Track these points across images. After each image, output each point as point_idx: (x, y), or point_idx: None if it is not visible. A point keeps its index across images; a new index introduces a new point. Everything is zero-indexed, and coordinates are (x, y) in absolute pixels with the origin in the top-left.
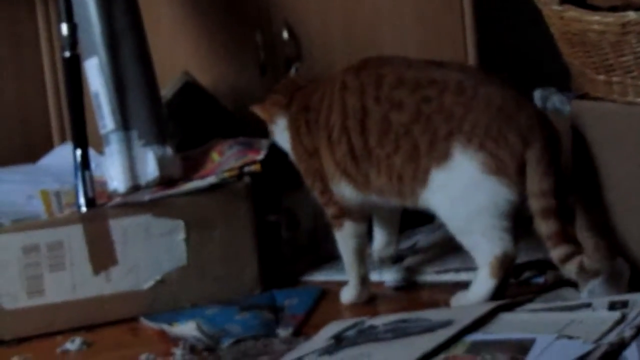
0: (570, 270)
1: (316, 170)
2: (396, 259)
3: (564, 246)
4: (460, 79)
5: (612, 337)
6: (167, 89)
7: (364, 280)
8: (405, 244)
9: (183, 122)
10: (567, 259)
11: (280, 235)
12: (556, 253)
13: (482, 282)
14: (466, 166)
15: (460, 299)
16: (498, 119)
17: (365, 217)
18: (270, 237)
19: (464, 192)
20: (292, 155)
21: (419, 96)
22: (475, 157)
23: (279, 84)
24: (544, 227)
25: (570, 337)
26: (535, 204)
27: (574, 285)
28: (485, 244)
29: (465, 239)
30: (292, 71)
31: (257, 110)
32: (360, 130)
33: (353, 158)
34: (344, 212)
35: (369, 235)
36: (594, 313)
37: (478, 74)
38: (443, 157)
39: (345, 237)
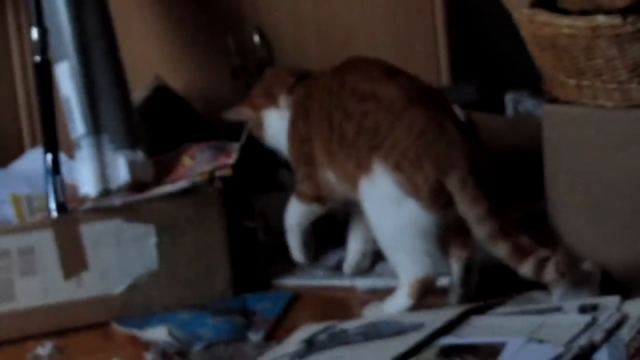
0: (548, 276)
1: (305, 155)
2: (370, 267)
3: (529, 260)
4: (394, 97)
5: (582, 340)
6: (138, 93)
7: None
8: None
9: (154, 126)
10: (539, 270)
11: (257, 240)
12: (525, 270)
13: (400, 299)
14: (384, 181)
15: (373, 310)
16: (417, 142)
17: (331, 208)
18: (247, 242)
19: (386, 206)
20: (284, 139)
21: (361, 109)
22: (392, 175)
23: (275, 73)
24: (498, 250)
25: (540, 341)
26: (478, 232)
27: (544, 288)
28: (408, 264)
29: (390, 255)
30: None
31: (258, 91)
32: (329, 134)
33: (329, 158)
34: (319, 197)
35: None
36: (565, 316)
37: (416, 92)
38: (366, 169)
39: (302, 212)
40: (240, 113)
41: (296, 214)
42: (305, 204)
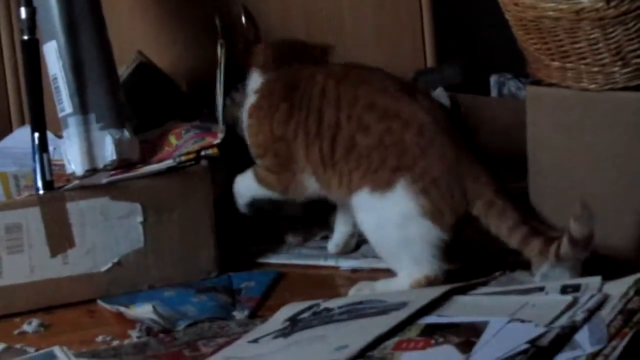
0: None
1: (276, 152)
2: (356, 248)
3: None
4: (424, 122)
5: (563, 320)
6: (121, 70)
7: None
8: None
9: (137, 103)
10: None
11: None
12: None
13: (399, 284)
14: (405, 202)
15: (363, 289)
16: (448, 174)
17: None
18: (231, 219)
19: (396, 222)
20: (246, 121)
21: (384, 125)
22: (416, 199)
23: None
24: (530, 251)
25: (522, 321)
26: (512, 242)
27: (527, 268)
28: (412, 266)
29: (391, 261)
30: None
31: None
32: (330, 142)
33: (322, 164)
34: (283, 191)
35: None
36: (547, 297)
37: (440, 117)
38: (384, 184)
39: (258, 193)
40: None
41: (251, 192)
42: (265, 189)
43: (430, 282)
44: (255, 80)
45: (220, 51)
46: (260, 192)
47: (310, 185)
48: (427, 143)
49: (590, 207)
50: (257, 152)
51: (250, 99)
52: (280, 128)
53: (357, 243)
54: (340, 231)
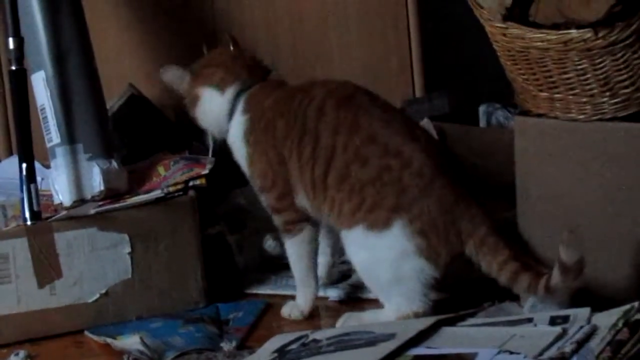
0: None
1: (281, 176)
2: (341, 277)
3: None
4: (423, 163)
5: (552, 352)
6: (112, 102)
7: (314, 294)
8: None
9: (128, 134)
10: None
11: (227, 243)
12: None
13: (385, 317)
14: (401, 242)
15: (350, 320)
16: (445, 216)
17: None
18: (217, 249)
19: (390, 260)
20: (247, 154)
21: (383, 162)
22: (413, 239)
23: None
24: (518, 286)
25: (511, 352)
26: (502, 278)
27: (516, 299)
28: (403, 302)
29: (380, 295)
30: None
31: (206, 63)
32: (325, 167)
33: (313, 187)
34: (304, 217)
35: None
36: (535, 328)
37: (439, 157)
38: (381, 224)
39: (303, 243)
40: (179, 76)
41: (298, 251)
42: (298, 234)
43: (417, 317)
44: (229, 101)
45: None
46: (298, 243)
47: (308, 207)
48: (426, 184)
49: (578, 233)
50: (262, 184)
51: (238, 124)
52: (280, 146)
53: (347, 274)
54: (321, 263)
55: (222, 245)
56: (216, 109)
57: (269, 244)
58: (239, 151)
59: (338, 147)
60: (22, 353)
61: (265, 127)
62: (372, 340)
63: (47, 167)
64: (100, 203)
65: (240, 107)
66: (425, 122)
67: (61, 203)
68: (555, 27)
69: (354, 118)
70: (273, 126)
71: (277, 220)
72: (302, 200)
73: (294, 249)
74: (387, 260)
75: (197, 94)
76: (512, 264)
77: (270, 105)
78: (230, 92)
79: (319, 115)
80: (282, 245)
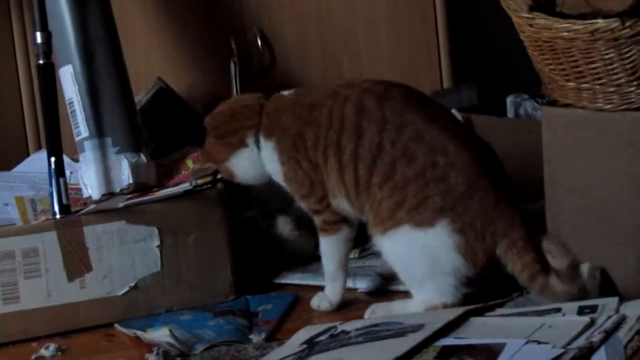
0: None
1: (318, 182)
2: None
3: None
4: (468, 161)
5: (580, 341)
6: (140, 95)
7: (343, 287)
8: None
9: (156, 128)
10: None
11: (259, 228)
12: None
13: (415, 308)
14: (443, 239)
15: (378, 311)
16: (484, 216)
17: (357, 221)
18: (248, 233)
19: (428, 254)
20: (282, 172)
21: (429, 159)
22: (454, 237)
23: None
24: (534, 289)
25: (539, 342)
26: (522, 278)
27: None
28: (434, 293)
29: (412, 285)
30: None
31: (214, 141)
32: (369, 165)
33: (356, 186)
34: (341, 218)
35: None
36: (564, 318)
37: (484, 157)
38: (425, 223)
39: (339, 242)
40: (207, 170)
41: (333, 249)
42: (335, 233)
43: (446, 308)
44: (252, 147)
45: (234, 69)
46: (334, 243)
47: (347, 208)
48: (471, 184)
49: (562, 240)
50: (302, 193)
51: (268, 153)
52: (312, 154)
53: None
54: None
55: (253, 230)
56: (249, 162)
57: (281, 226)
58: (277, 175)
59: (385, 145)
60: (52, 347)
61: (292, 142)
62: (400, 331)
63: (76, 161)
64: (129, 196)
65: (261, 142)
66: (453, 113)
67: (90, 197)
68: (582, 17)
69: (400, 116)
70: (301, 138)
71: (317, 220)
72: (342, 202)
73: (329, 246)
74: (426, 253)
75: (229, 168)
76: (533, 266)
77: (290, 121)
78: (250, 140)
79: (360, 112)
80: (297, 227)
